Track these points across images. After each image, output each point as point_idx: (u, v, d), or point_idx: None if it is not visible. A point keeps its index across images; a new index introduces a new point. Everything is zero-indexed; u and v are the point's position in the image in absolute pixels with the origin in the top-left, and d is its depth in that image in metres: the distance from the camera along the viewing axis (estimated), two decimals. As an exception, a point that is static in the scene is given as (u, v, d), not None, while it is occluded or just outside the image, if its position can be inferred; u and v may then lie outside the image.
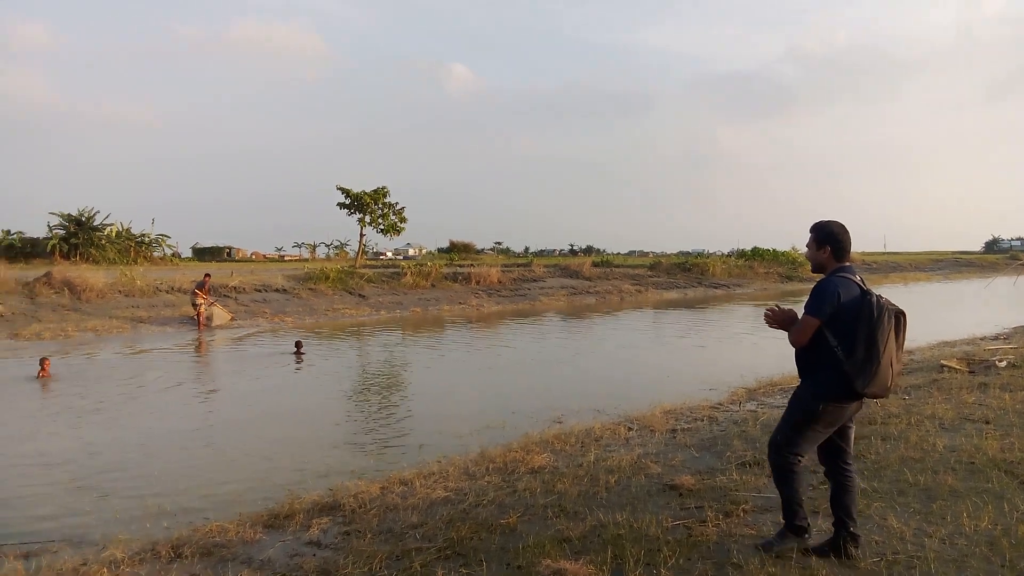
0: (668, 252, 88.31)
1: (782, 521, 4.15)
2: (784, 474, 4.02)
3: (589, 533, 4.45)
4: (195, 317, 19.97)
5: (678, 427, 7.80)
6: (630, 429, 7.75)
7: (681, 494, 5.24)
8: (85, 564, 4.29)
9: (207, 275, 21.54)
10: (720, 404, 9.23)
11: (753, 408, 8.76)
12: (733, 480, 5.49)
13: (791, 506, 4.05)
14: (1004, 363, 10.50)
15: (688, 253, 72.65)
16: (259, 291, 25.45)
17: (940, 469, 5.50)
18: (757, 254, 50.92)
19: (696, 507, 4.91)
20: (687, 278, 40.72)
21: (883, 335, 3.70)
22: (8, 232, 45.30)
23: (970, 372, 10.21)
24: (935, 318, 21.52)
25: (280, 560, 4.31)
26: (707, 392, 10.29)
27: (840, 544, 3.93)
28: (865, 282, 3.92)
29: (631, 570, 3.82)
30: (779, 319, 4.09)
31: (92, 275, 23.39)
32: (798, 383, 4.08)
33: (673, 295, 35.27)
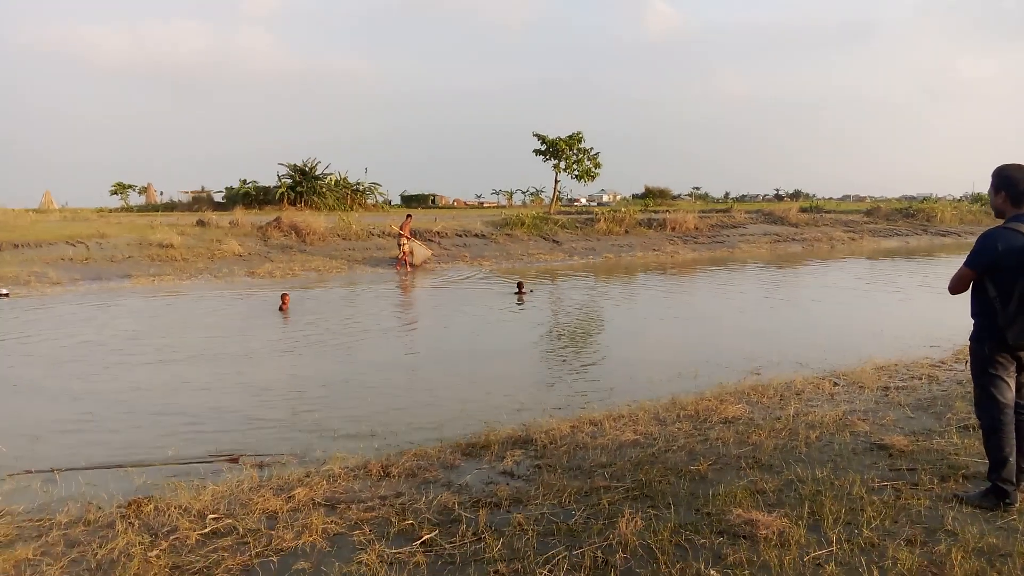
0: (888, 197, 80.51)
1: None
2: (985, 431, 3.92)
3: (785, 487, 4.27)
4: (400, 257, 21.40)
5: (891, 384, 7.20)
6: (836, 384, 7.27)
7: (891, 455, 4.86)
8: (308, 476, 4.83)
9: (409, 216, 22.93)
10: (942, 362, 8.39)
11: (983, 368, 7.86)
12: (953, 443, 5.01)
13: (994, 465, 3.88)
14: None
15: (912, 198, 65.83)
16: (459, 236, 26.67)
17: None
18: (997, 198, 44.93)
19: (908, 469, 4.54)
20: (910, 225, 37.03)
21: (1012, 292, 3.67)
22: (245, 181, 50.92)
23: None
24: None
25: (476, 486, 4.58)
26: (927, 349, 9.37)
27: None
28: None
29: (830, 527, 3.62)
30: None
31: (314, 220, 25.76)
32: None
33: (893, 243, 32.27)
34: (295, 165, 49.01)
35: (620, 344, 10.81)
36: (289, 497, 4.40)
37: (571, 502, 4.18)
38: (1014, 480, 3.84)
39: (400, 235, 21.56)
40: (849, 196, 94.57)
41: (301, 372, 8.96)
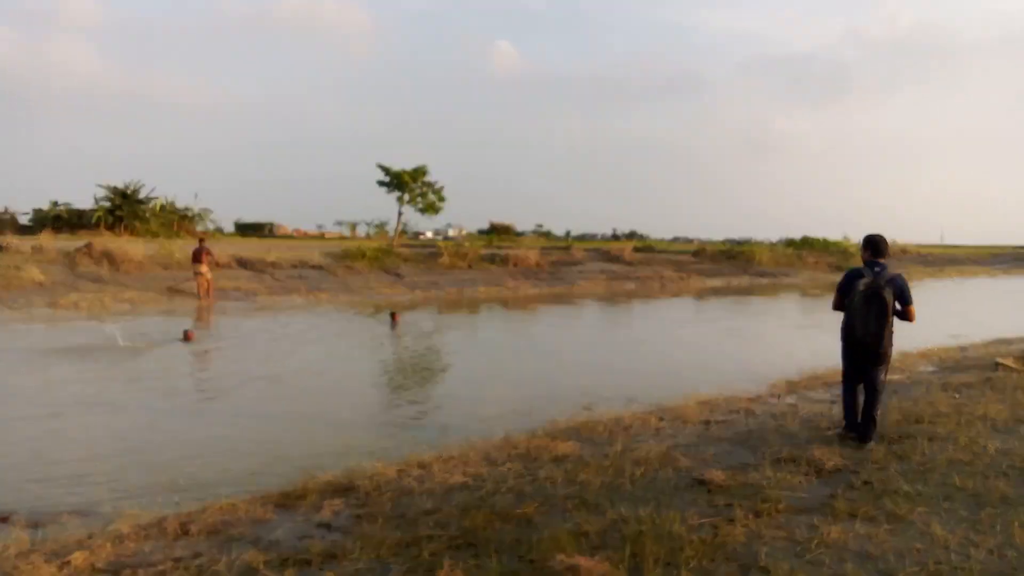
0: (714, 239, 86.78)
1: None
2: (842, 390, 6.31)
3: (609, 528, 4.22)
4: (200, 288, 20.01)
5: (712, 419, 7.49)
6: (661, 419, 7.46)
7: (710, 490, 4.97)
8: (91, 537, 4.21)
9: (201, 239, 21.33)
10: (759, 397, 8.87)
11: (793, 402, 8.39)
12: (767, 477, 5.21)
13: (844, 412, 6.31)
14: (1064, 363, 9.92)
15: (735, 241, 71.27)
16: (295, 267, 25.62)
17: (991, 474, 5.16)
18: (807, 243, 49.66)
19: (725, 504, 4.64)
20: (732, 266, 39.93)
21: (851, 305, 5.85)
22: (55, 203, 46.43)
23: (1027, 371, 9.68)
24: (991, 314, 20.66)
25: (288, 541, 4.17)
26: (746, 384, 9.92)
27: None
28: (883, 270, 5.82)
29: (650, 570, 3.58)
30: None
31: (132, 247, 23.77)
32: (841, 376, 6.38)
33: (716, 283, 34.61)
34: (115, 187, 45.27)
35: (456, 380, 10.65)
36: (64, 563, 3.80)
37: (390, 555, 3.89)
38: (847, 423, 6.24)
39: (198, 266, 20.02)
40: (679, 237, 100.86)
41: (97, 418, 8.02)
